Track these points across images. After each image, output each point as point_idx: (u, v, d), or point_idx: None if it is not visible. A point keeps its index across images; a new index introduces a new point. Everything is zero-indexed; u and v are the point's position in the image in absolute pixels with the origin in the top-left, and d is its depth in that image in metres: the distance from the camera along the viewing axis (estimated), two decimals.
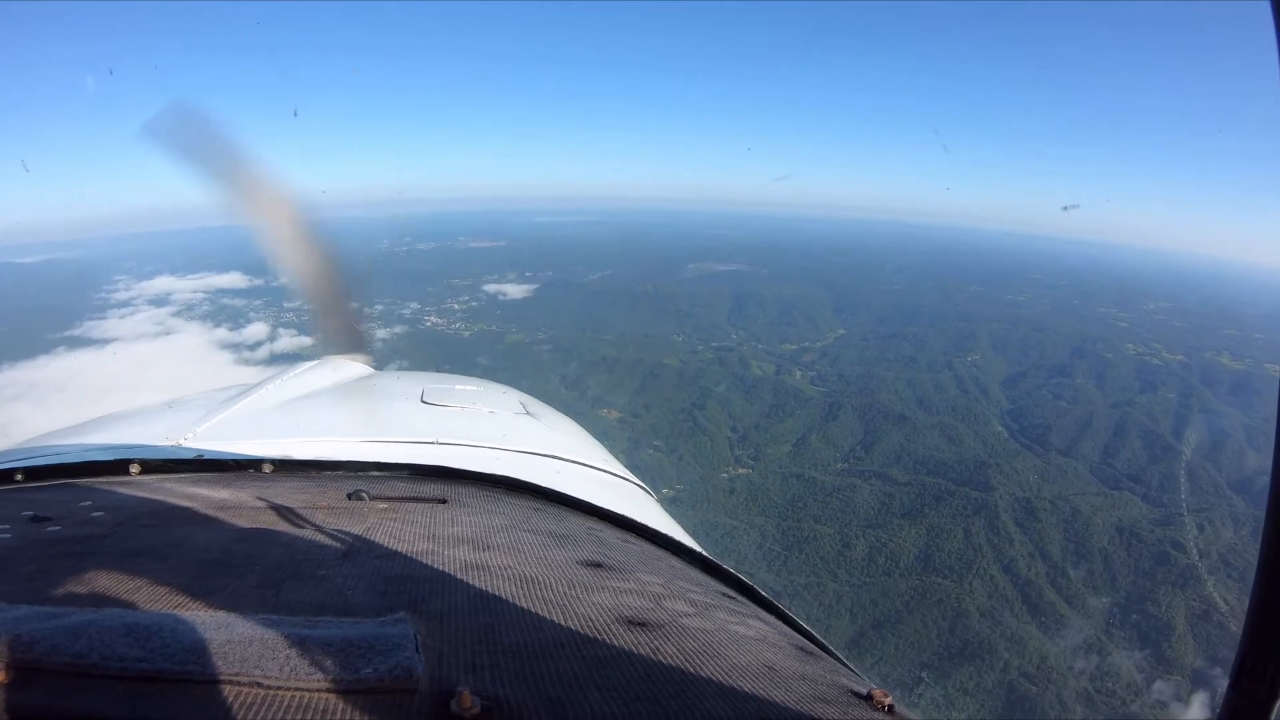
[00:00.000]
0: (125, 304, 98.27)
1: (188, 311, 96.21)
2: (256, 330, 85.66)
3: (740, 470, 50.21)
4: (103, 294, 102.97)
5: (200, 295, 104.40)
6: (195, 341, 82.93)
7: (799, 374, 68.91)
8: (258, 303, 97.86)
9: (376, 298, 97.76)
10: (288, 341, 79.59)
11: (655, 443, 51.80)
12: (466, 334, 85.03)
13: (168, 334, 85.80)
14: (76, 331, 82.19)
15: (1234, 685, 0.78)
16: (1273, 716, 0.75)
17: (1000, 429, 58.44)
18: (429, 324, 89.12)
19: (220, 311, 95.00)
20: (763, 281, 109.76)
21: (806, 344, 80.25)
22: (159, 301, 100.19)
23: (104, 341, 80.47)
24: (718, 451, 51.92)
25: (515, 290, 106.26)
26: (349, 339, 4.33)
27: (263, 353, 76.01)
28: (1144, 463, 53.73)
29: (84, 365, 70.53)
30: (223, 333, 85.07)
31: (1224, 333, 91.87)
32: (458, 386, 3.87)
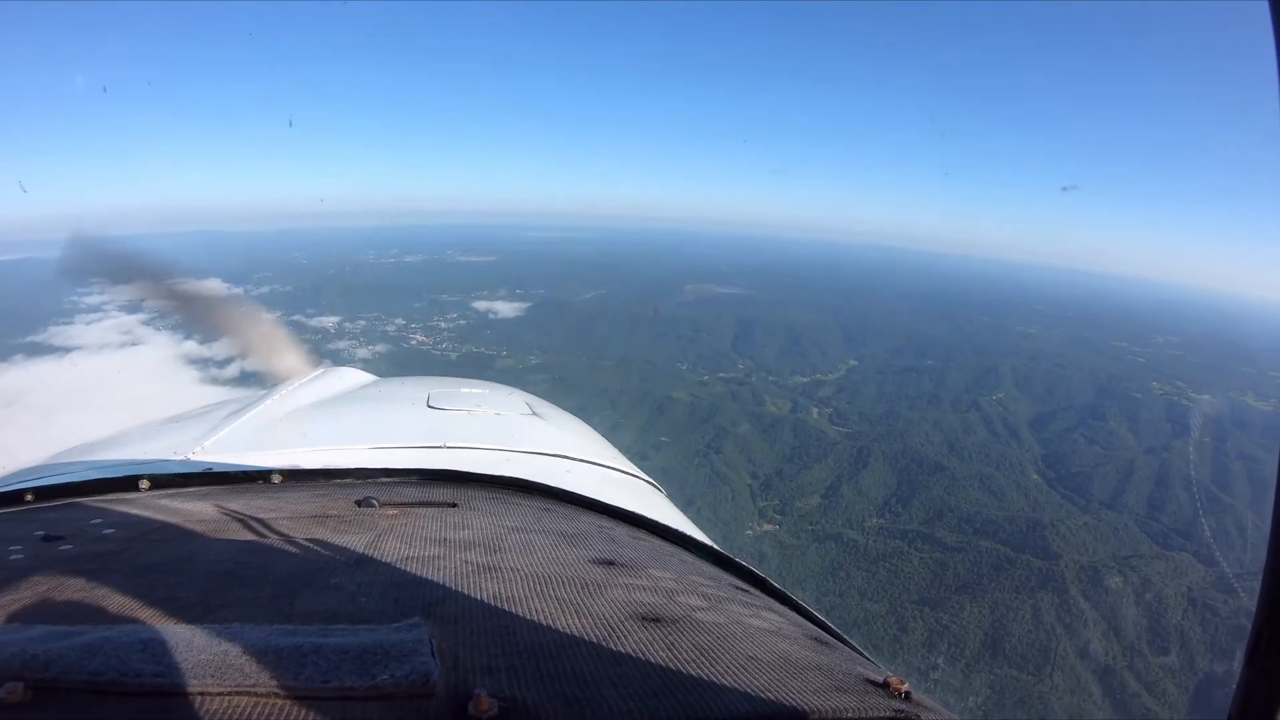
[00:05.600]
0: (96, 309, 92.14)
1: (159, 320, 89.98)
2: (228, 345, 79.33)
3: (767, 527, 44.96)
4: (74, 297, 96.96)
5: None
6: (161, 355, 76.94)
7: (816, 412, 64.15)
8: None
9: (359, 312, 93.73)
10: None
11: (667, 491, 45.99)
12: (454, 355, 79.72)
13: (134, 344, 79.94)
14: (39, 337, 76.69)
15: (1249, 662, 0.76)
16: None
17: (1037, 477, 54.21)
18: (414, 342, 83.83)
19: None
20: (766, 307, 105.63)
21: (819, 376, 75.74)
22: (131, 308, 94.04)
23: (66, 350, 74.82)
24: (740, 504, 46.70)
25: (506, 308, 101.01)
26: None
27: (232, 370, 70.21)
28: (1191, 516, 49.86)
29: (39, 377, 64.64)
30: (192, 345, 78.89)
31: (1241, 370, 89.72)
32: (463, 390, 3.85)
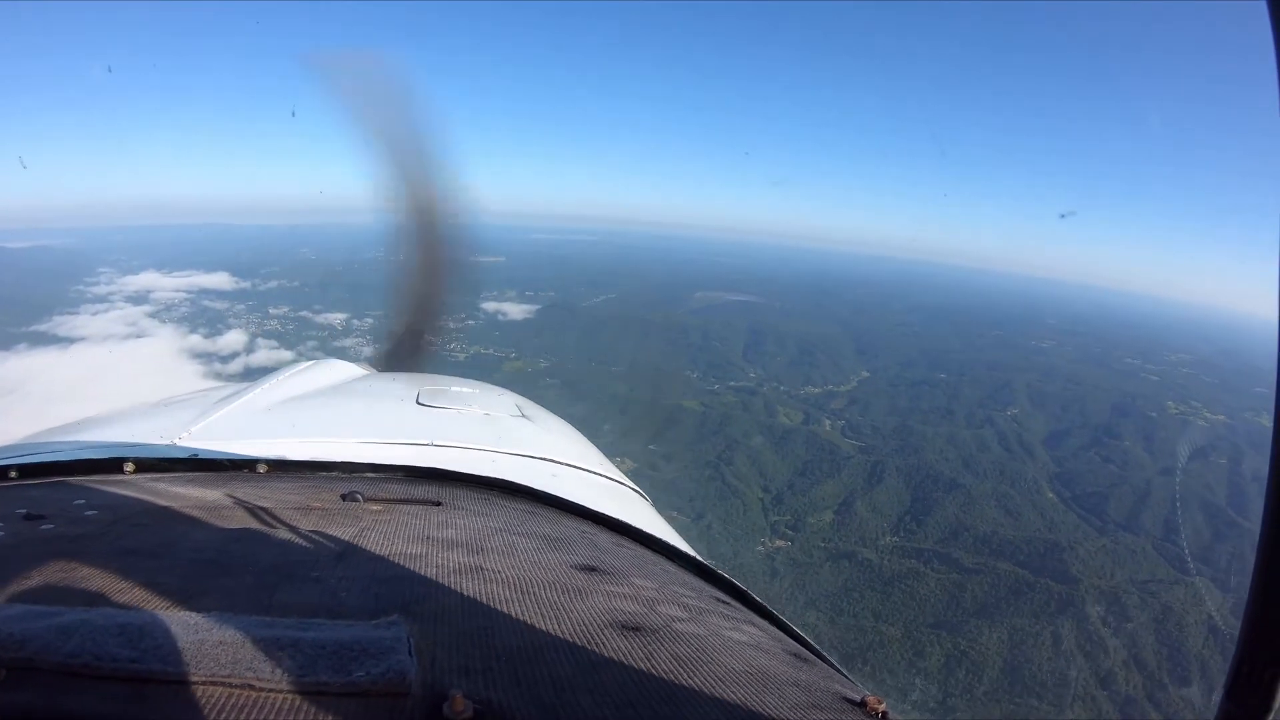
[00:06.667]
0: (102, 299, 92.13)
1: (165, 312, 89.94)
2: (233, 339, 79.09)
3: (779, 543, 44.02)
4: (81, 286, 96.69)
5: (182, 295, 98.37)
6: (165, 348, 76.47)
7: (828, 424, 63.30)
8: (240, 307, 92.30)
9: (367, 309, 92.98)
10: (265, 354, 72.96)
11: (677, 503, 45.45)
12: (462, 356, 78.95)
13: (139, 336, 79.53)
14: (44, 326, 76.31)
15: (1229, 694, 0.76)
16: None
17: (1052, 496, 53.33)
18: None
19: (199, 314, 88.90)
20: (776, 315, 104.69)
21: (831, 387, 74.90)
22: (138, 299, 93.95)
23: (70, 340, 74.41)
24: (751, 518, 45.79)
25: (515, 310, 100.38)
26: (411, 354, 4.80)
27: (236, 365, 69.82)
28: (1208, 540, 49.06)
29: (40, 367, 64.19)
30: (197, 339, 78.66)
31: (1254, 390, 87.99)
32: (453, 389, 3.83)
